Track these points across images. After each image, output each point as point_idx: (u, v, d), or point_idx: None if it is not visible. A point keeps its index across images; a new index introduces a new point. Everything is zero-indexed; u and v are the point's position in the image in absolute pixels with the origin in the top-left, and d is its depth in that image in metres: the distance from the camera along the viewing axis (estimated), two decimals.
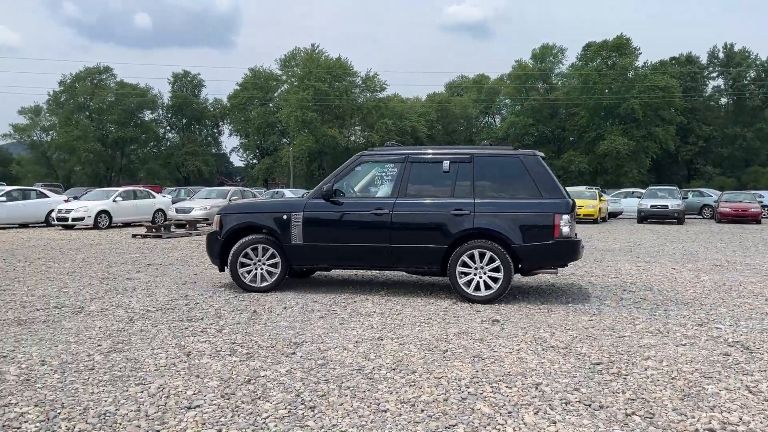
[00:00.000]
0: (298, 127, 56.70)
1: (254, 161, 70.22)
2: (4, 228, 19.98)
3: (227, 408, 3.62)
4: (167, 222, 19.32)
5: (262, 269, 7.57)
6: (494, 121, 72.36)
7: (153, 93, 67.92)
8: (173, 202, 23.98)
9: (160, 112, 70.32)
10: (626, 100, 55.11)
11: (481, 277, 6.95)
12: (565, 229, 6.83)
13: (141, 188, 25.39)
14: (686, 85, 59.19)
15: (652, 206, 25.01)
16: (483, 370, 4.39)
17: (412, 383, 4.09)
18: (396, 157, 7.57)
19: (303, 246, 7.39)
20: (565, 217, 6.84)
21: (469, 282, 6.97)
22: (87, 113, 65.26)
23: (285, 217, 7.43)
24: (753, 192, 31.38)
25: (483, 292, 6.92)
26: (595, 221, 24.36)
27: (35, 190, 22.91)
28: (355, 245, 7.32)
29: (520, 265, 7.07)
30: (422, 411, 3.59)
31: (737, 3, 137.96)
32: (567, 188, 8.08)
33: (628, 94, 55.28)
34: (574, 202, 7.07)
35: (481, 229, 6.96)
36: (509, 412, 3.58)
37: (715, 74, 64.52)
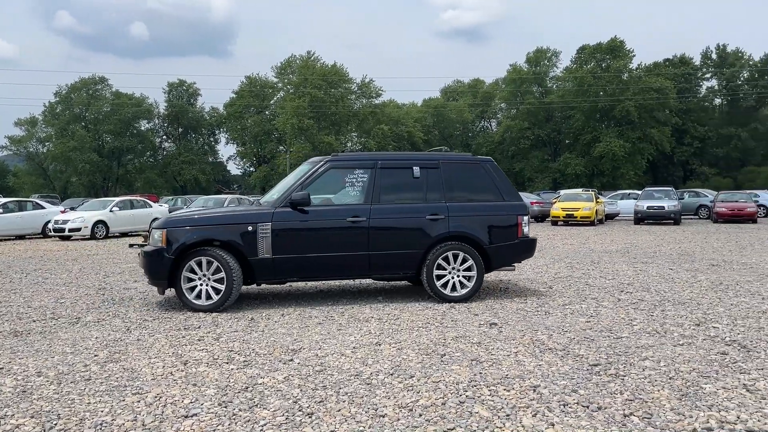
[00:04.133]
0: (295, 134, 56.76)
1: (251, 169, 70.18)
2: (0, 240, 19.95)
3: (224, 416, 3.61)
4: None
5: (207, 285, 6.81)
6: (490, 125, 72.47)
7: (149, 103, 68.00)
8: (170, 212, 23.98)
9: (156, 121, 70.33)
10: (621, 102, 55.30)
11: (455, 278, 7.31)
12: (526, 229, 7.61)
13: (138, 198, 25.42)
14: (680, 86, 59.35)
15: (648, 207, 25.03)
16: (481, 373, 4.38)
17: (410, 388, 4.08)
18: (365, 163, 7.46)
19: (273, 259, 6.87)
20: (525, 217, 7.64)
21: (445, 283, 7.29)
22: (83, 124, 65.13)
23: (250, 228, 6.84)
24: (749, 192, 31.44)
25: (459, 292, 7.30)
26: (591, 223, 24.38)
27: (32, 202, 22.86)
28: (331, 255, 7.04)
29: (489, 264, 7.52)
30: (420, 415, 3.58)
31: (729, 4, 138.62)
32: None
33: (623, 96, 55.45)
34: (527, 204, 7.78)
35: (456, 232, 7.32)
36: (507, 415, 3.57)
37: (708, 75, 64.84)
